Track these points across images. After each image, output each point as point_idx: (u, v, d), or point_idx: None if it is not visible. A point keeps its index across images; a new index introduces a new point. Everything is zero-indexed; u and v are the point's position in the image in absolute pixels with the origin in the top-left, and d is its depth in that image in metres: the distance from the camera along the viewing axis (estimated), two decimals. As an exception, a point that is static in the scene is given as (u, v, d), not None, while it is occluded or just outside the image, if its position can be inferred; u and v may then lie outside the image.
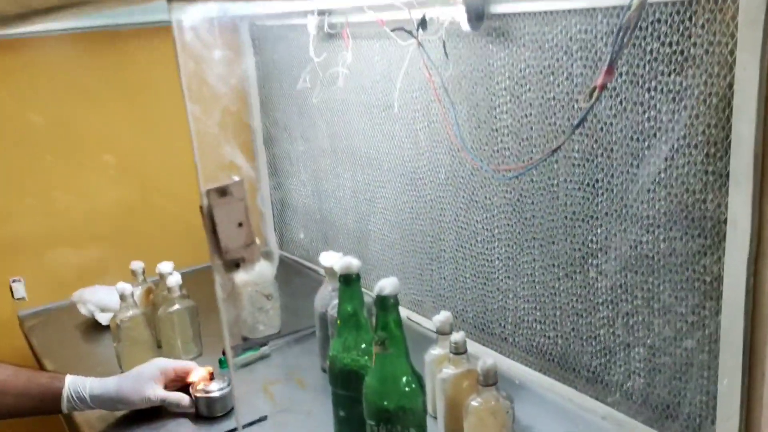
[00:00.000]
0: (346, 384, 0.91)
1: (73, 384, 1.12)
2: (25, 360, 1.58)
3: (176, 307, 1.30)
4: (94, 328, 1.53)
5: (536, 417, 1.08)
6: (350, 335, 0.91)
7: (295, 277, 1.79)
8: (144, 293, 1.41)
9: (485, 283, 1.27)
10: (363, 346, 0.91)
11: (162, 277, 1.37)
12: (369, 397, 0.83)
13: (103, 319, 1.51)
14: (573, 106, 1.01)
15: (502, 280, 1.24)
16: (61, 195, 1.71)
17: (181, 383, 1.18)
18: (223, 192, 0.50)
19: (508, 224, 1.19)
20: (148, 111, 1.78)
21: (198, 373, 1.17)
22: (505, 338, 1.26)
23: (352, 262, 0.91)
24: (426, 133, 1.32)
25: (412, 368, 0.84)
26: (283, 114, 1.80)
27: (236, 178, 0.53)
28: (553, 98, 1.04)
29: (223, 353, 1.33)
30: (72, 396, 1.11)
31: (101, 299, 1.53)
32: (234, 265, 0.52)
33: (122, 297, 1.28)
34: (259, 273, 1.40)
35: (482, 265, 1.27)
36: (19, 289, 1.64)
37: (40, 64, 1.64)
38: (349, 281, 0.91)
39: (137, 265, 1.41)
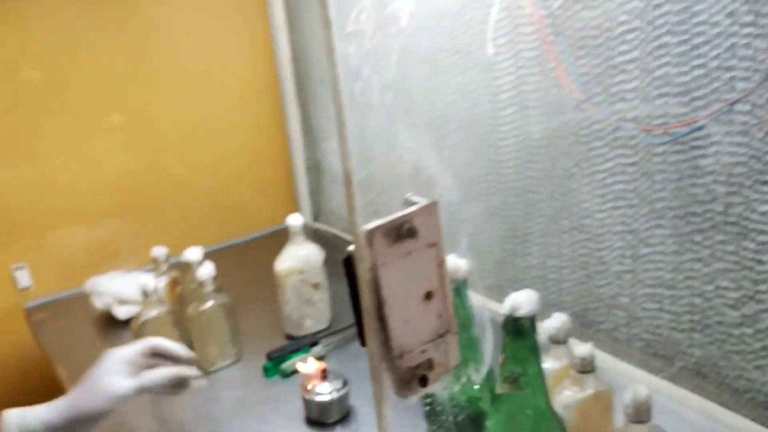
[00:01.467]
0: (450, 421, 0.68)
1: (18, 418, 0.82)
2: (33, 360, 1.37)
3: (210, 304, 1.07)
4: (111, 322, 1.31)
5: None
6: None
7: (336, 254, 1.54)
8: (169, 285, 1.18)
9: (589, 265, 1.03)
10: (472, 372, 0.68)
11: (190, 266, 1.14)
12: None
13: (122, 313, 1.28)
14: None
15: (615, 260, 0.99)
16: (63, 164, 1.46)
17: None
18: (398, 232, 0.25)
19: (626, 189, 0.94)
20: (157, 64, 1.52)
21: (308, 368, 0.96)
22: (616, 336, 1.02)
23: (459, 264, 0.66)
24: (514, 82, 1.05)
25: (553, 412, 0.60)
26: (318, 63, 1.53)
27: (419, 200, 0.28)
28: (708, 21, 0.77)
29: (268, 357, 1.10)
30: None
31: (118, 290, 1.30)
32: (417, 380, 0.28)
33: (145, 293, 1.05)
34: (306, 258, 1.16)
35: (586, 242, 1.02)
36: (23, 278, 1.41)
37: (34, 12, 1.38)
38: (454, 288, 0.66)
39: (160, 251, 1.18)
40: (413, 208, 0.25)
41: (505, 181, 1.13)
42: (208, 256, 1.13)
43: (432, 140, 1.27)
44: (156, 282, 1.07)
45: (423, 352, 0.27)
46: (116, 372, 0.85)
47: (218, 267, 1.09)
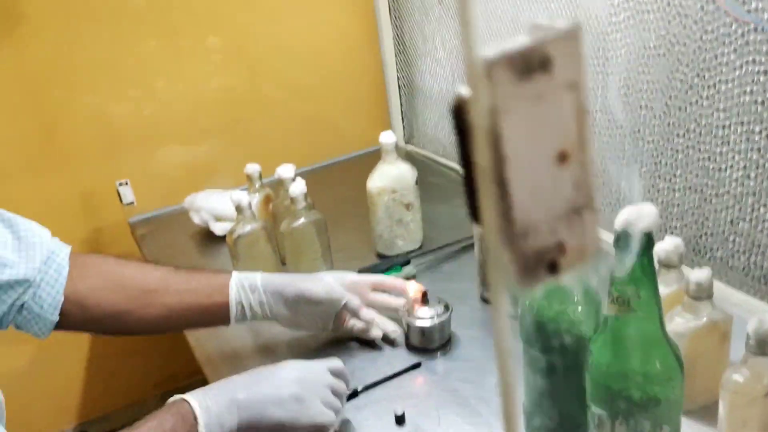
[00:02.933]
0: (549, 345, 0.65)
1: (242, 274, 0.90)
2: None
3: (302, 221, 1.07)
4: (208, 238, 1.34)
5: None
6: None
7: (429, 177, 1.50)
8: (262, 202, 1.18)
9: (706, 187, 0.94)
10: (575, 295, 0.63)
11: (282, 183, 1.13)
12: (598, 378, 0.56)
13: (218, 229, 1.31)
14: None
15: (737, 182, 0.90)
16: (164, 85, 1.49)
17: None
18: (527, 64, 0.19)
19: (756, 102, 0.84)
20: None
21: (410, 290, 0.94)
22: (733, 264, 0.94)
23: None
24: (628, -17, 0.95)
25: (668, 339, 0.55)
26: (413, -23, 1.46)
27: (553, 24, 0.22)
28: None
29: (359, 272, 1.09)
30: (243, 286, 0.88)
31: (215, 206, 1.32)
32: (545, 266, 0.24)
33: (239, 209, 1.06)
34: (398, 177, 1.13)
35: (704, 161, 0.93)
36: (127, 194, 1.46)
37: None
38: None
39: (253, 168, 1.18)
40: (549, 33, 0.20)
41: (611, 90, 1.04)
42: (301, 175, 1.12)
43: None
44: (249, 198, 1.07)
45: (553, 231, 0.22)
46: (341, 281, 0.92)
47: (311, 186, 1.08)
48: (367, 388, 0.83)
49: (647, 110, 0.99)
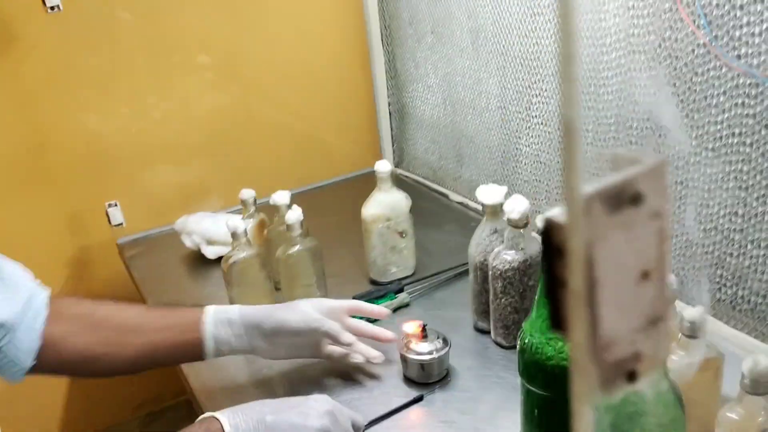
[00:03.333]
0: (548, 382, 0.66)
1: (218, 311, 0.89)
2: (128, 291, 1.43)
3: (297, 248, 1.08)
4: (200, 261, 1.34)
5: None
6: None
7: (419, 201, 1.51)
8: (256, 227, 1.19)
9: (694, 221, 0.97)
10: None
11: (278, 209, 1.14)
12: (603, 416, 0.58)
13: (210, 252, 1.31)
14: None
15: (725, 218, 0.93)
16: (155, 103, 1.49)
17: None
18: (619, 199, 0.21)
19: (743, 143, 0.86)
20: (245, 5, 1.50)
21: (408, 327, 0.94)
22: (720, 297, 0.97)
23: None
24: (620, 24, 0.98)
25: (670, 380, 0.57)
26: (407, 3, 1.48)
27: (637, 155, 0.24)
28: None
29: (354, 299, 1.10)
30: (219, 321, 0.87)
31: (207, 229, 1.32)
32: (623, 375, 0.26)
33: (234, 236, 1.06)
34: (393, 205, 1.14)
35: (691, 197, 0.96)
36: (116, 215, 1.46)
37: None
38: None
39: (248, 194, 1.18)
40: (638, 169, 0.21)
41: (604, 131, 1.07)
42: (292, 197, 1.13)
43: (523, 86, 1.21)
44: (244, 224, 1.08)
45: (632, 342, 0.24)
46: (317, 308, 0.91)
47: (303, 210, 1.09)
48: (370, 423, 0.83)
49: (637, 146, 1.02)
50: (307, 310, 0.90)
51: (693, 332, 0.72)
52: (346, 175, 1.71)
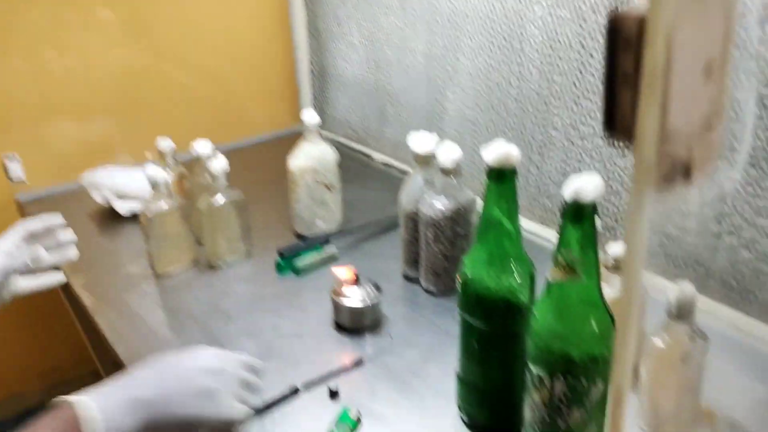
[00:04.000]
0: (488, 314, 0.67)
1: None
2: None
3: (222, 199, 1.04)
4: (111, 218, 1.27)
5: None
6: (497, 249, 0.66)
7: (342, 161, 1.50)
8: (176, 180, 1.13)
9: (622, 185, 1.01)
10: (513, 265, 0.66)
11: (199, 160, 1.10)
12: (540, 340, 0.59)
13: (123, 208, 1.24)
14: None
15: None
16: (55, 57, 1.38)
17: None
18: None
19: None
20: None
21: (340, 273, 0.93)
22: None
23: (511, 152, 0.63)
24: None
25: (604, 302, 0.59)
26: (330, -41, 1.45)
27: None
28: None
29: (280, 254, 1.08)
30: None
31: (118, 184, 1.25)
32: (680, 172, 0.25)
33: (154, 185, 1.01)
34: (320, 157, 1.12)
35: (606, 148, 1.01)
36: (16, 169, 1.35)
37: None
38: (503, 177, 0.64)
39: (166, 144, 1.13)
40: None
41: (525, 85, 1.09)
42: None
43: (451, 44, 1.22)
44: (165, 174, 1.03)
45: (688, 142, 0.24)
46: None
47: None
48: (308, 386, 0.81)
49: (556, 101, 1.06)
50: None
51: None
52: (264, 136, 1.66)
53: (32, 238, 0.93)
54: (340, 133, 1.62)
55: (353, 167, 1.47)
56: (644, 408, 0.73)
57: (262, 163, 1.49)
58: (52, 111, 1.40)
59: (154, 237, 1.04)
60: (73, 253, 0.97)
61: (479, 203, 0.79)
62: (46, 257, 0.93)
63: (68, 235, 0.97)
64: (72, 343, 1.61)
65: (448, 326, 0.92)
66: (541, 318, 0.60)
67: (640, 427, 0.73)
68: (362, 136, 1.55)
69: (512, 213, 0.66)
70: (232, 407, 0.68)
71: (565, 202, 0.56)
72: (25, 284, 0.93)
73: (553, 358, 0.59)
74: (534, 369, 0.62)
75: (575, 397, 0.60)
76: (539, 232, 1.13)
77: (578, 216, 0.56)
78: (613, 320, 0.60)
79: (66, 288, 1.40)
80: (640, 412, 0.73)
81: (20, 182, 1.36)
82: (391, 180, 1.41)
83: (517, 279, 0.67)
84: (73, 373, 1.67)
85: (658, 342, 0.69)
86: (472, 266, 0.68)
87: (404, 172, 1.43)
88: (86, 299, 1.03)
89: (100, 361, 1.58)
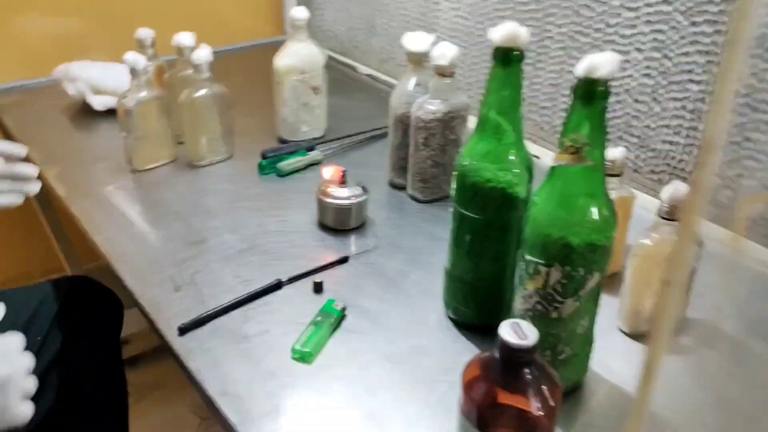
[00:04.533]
0: (484, 205, 0.66)
1: None
2: None
3: (204, 91, 0.99)
4: (85, 112, 1.22)
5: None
6: (497, 139, 0.64)
7: (328, 73, 1.46)
8: (155, 72, 1.08)
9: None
10: (512, 157, 0.65)
11: (181, 51, 1.05)
12: (540, 226, 0.58)
13: (97, 103, 1.19)
14: None
15: (637, 77, 0.96)
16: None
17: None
18: None
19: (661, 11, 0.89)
20: None
21: (327, 172, 0.91)
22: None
23: (520, 33, 0.61)
24: None
25: (606, 191, 0.58)
26: None
27: None
28: None
29: (263, 156, 1.05)
30: None
31: (93, 77, 1.20)
32: None
33: (133, 73, 0.96)
34: (308, 57, 1.08)
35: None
36: (-17, 59, 1.28)
37: None
38: (509, 60, 0.61)
39: (146, 33, 1.07)
40: None
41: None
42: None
43: (449, -53, 1.17)
44: (145, 61, 0.98)
45: None
46: None
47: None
48: (291, 280, 0.80)
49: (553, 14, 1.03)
50: None
51: (613, 170, 0.75)
52: (245, 44, 1.60)
53: None
54: (326, 45, 1.56)
55: (338, 78, 1.43)
56: (625, 309, 0.73)
57: (244, 69, 1.44)
58: (18, 3, 1.31)
59: (133, 130, 0.99)
60: (34, 188, 0.85)
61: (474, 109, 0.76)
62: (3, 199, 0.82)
63: (29, 169, 0.84)
64: (40, 250, 1.57)
65: (435, 231, 0.91)
66: (541, 204, 0.59)
67: (620, 327, 0.74)
68: (348, 48, 1.50)
69: (515, 101, 0.64)
70: (22, 411, 0.61)
71: (577, 79, 0.54)
72: None
73: (551, 245, 0.58)
74: (529, 257, 0.61)
75: (571, 286, 0.59)
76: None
77: (589, 95, 0.54)
78: (614, 210, 0.59)
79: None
80: (620, 313, 0.74)
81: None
82: (377, 92, 1.37)
83: (515, 171, 0.65)
84: (41, 281, 1.63)
85: (646, 241, 0.69)
86: (471, 157, 0.66)
87: (390, 85, 1.39)
88: (60, 190, 0.99)
89: (71, 269, 1.55)
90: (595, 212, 0.58)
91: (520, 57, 0.62)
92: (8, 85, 1.32)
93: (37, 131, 1.16)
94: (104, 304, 1.02)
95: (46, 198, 1.40)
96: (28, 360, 0.63)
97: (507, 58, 0.62)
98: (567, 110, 0.55)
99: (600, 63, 0.53)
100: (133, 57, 0.95)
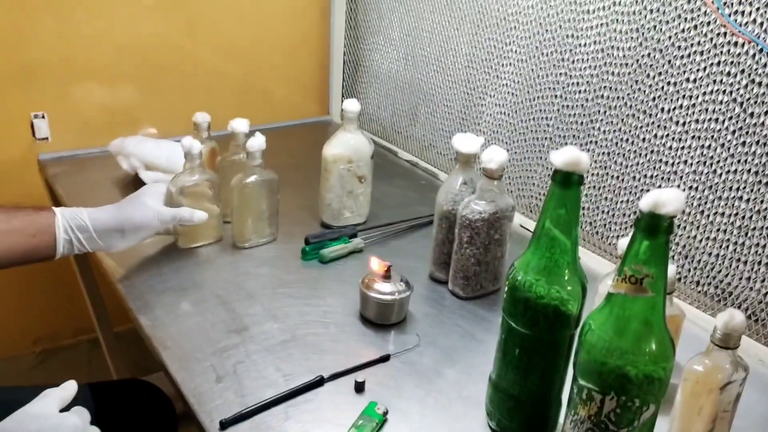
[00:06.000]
0: (535, 321, 0.66)
1: (67, 212, 0.89)
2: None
3: (254, 178, 1.02)
4: (135, 185, 1.23)
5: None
6: (551, 256, 0.65)
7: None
8: (208, 154, 1.11)
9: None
10: (566, 275, 0.65)
11: (235, 137, 1.08)
12: (595, 353, 0.58)
13: (149, 178, 1.22)
14: None
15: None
16: (85, 18, 1.36)
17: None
18: None
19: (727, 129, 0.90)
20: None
21: (374, 263, 0.91)
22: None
23: (582, 159, 0.62)
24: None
25: (665, 322, 0.58)
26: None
27: None
28: None
29: (306, 242, 1.06)
30: (69, 226, 0.88)
31: (146, 154, 1.23)
32: None
33: (188, 156, 0.99)
34: (356, 147, 1.11)
35: (652, 176, 1.00)
36: (42, 128, 1.33)
37: None
38: (568, 183, 0.63)
39: (202, 117, 1.11)
40: None
41: (570, 90, 1.08)
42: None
43: (496, 48, 1.21)
44: (200, 145, 1.01)
45: None
46: (158, 199, 0.95)
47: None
48: (333, 377, 0.79)
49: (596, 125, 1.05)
50: (151, 203, 0.94)
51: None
52: (289, 122, 1.65)
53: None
54: (368, 129, 1.60)
55: (380, 163, 1.45)
56: (675, 433, 0.71)
57: (288, 150, 1.48)
58: (79, 73, 1.38)
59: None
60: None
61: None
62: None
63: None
64: (71, 309, 1.58)
65: (475, 330, 0.91)
66: (598, 330, 0.59)
67: (670, 452, 0.72)
68: (390, 134, 1.54)
69: (572, 221, 0.64)
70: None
71: (641, 213, 0.55)
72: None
73: (608, 373, 0.58)
74: (582, 382, 0.60)
75: (625, 417, 0.58)
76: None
77: (653, 229, 0.54)
78: (672, 342, 0.58)
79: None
80: (670, 437, 0.72)
81: (43, 140, 1.34)
82: (417, 179, 1.39)
83: (568, 288, 0.65)
84: (70, 341, 1.64)
85: (698, 367, 0.68)
86: (524, 271, 0.66)
87: (430, 173, 1.42)
88: (106, 265, 1.00)
89: (101, 330, 1.56)
90: (653, 343, 0.57)
91: (580, 181, 0.63)
92: (61, 154, 1.36)
93: (87, 201, 1.18)
94: (159, 408, 1.03)
95: (86, 261, 1.42)
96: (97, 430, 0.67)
97: (567, 181, 0.63)
98: (630, 239, 0.56)
99: (666, 200, 0.53)
100: (189, 142, 0.99)
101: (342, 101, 1.64)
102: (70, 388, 0.67)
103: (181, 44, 1.47)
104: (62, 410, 0.65)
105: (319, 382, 0.78)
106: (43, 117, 1.32)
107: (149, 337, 0.85)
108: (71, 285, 1.51)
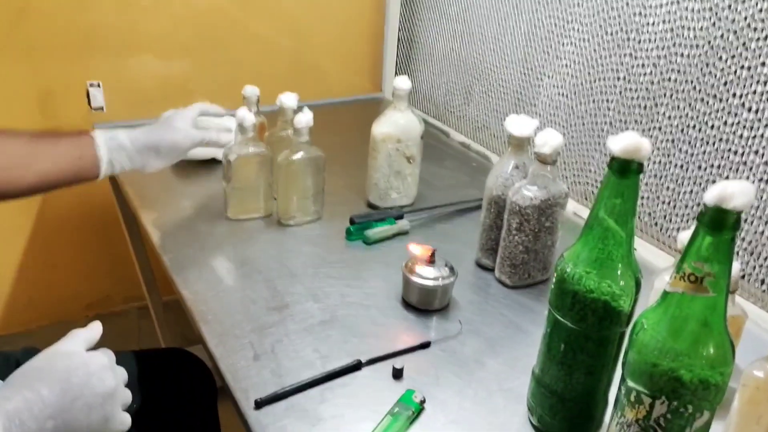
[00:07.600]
0: (583, 315, 0.62)
1: (107, 134, 0.93)
2: (104, 187, 1.33)
3: (300, 154, 1.00)
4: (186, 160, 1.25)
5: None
6: (606, 248, 0.61)
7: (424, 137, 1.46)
8: (258, 128, 1.10)
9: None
10: (619, 268, 0.61)
11: (283, 112, 1.07)
12: (647, 354, 0.54)
13: (200, 152, 1.22)
14: None
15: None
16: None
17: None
18: None
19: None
20: None
21: (416, 249, 0.89)
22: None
23: (643, 145, 0.58)
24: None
25: (726, 324, 0.54)
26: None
27: None
28: None
29: (351, 222, 1.04)
30: (109, 146, 0.92)
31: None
32: None
33: (242, 128, 0.99)
34: (405, 127, 1.08)
35: (719, 165, 0.94)
36: (97, 96, 1.35)
37: None
38: (626, 171, 0.58)
39: (252, 91, 1.10)
40: None
41: (633, 69, 1.03)
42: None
43: (555, 28, 1.15)
44: (253, 117, 1.00)
45: None
46: (187, 122, 0.98)
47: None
48: (371, 361, 0.78)
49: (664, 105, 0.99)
50: (184, 126, 0.98)
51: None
52: (340, 99, 1.62)
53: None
54: (420, 108, 1.57)
55: (431, 144, 1.42)
56: (731, 441, 0.67)
57: (337, 127, 1.46)
58: (136, 43, 1.39)
59: (233, 180, 1.01)
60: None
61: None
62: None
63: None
64: (122, 276, 1.62)
65: (519, 321, 0.87)
66: (651, 330, 0.55)
67: (724, 461, 0.68)
68: (442, 113, 1.50)
69: (628, 212, 0.60)
70: (123, 422, 0.64)
71: (705, 206, 0.50)
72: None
73: (659, 376, 0.54)
74: (631, 383, 0.57)
75: (676, 423, 0.54)
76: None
77: (718, 224, 0.50)
78: (733, 347, 0.54)
79: (129, 220, 1.40)
80: (726, 445, 0.68)
81: (98, 110, 1.35)
82: (469, 162, 1.36)
83: (621, 283, 0.61)
84: (121, 307, 1.68)
85: (759, 373, 0.63)
86: (574, 263, 0.63)
87: (482, 156, 1.38)
88: (154, 236, 1.01)
89: (151, 299, 1.59)
90: (711, 347, 0.53)
91: (639, 169, 0.59)
92: (116, 123, 1.38)
93: (137, 174, 1.20)
94: (200, 380, 1.04)
95: (137, 231, 1.44)
96: (124, 371, 0.66)
97: (625, 169, 0.58)
98: (693, 231, 0.52)
99: (734, 193, 0.49)
100: (242, 113, 0.98)
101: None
102: (95, 328, 0.68)
103: (235, 16, 1.46)
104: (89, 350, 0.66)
105: (356, 366, 0.77)
106: (99, 86, 1.34)
107: (190, 310, 0.85)
108: (123, 252, 1.54)
